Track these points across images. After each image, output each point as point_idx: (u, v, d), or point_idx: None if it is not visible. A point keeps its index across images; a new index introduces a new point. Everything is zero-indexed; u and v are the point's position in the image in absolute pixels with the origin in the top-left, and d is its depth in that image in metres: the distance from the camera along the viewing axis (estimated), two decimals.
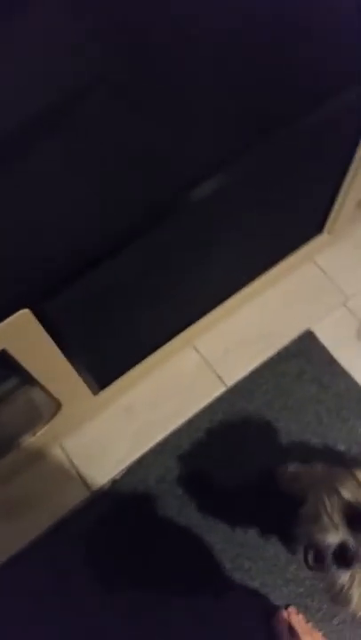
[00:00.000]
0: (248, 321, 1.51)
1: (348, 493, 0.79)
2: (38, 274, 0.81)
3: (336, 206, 1.43)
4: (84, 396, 1.23)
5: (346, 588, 0.74)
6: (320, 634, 1.17)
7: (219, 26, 0.72)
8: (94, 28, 0.59)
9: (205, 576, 1.24)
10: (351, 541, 0.74)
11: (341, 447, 1.35)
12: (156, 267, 1.05)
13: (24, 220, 0.76)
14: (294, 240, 1.50)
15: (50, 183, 0.74)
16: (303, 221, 1.47)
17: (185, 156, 0.85)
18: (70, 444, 1.35)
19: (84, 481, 1.31)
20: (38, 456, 1.32)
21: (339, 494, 0.79)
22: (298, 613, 1.19)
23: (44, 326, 0.87)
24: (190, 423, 1.39)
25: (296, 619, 1.18)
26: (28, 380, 1.07)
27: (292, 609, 1.19)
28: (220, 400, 1.42)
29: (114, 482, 1.31)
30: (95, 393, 1.28)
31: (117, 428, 1.37)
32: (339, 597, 0.75)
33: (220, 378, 1.44)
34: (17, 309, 0.79)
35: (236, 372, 1.45)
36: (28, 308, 0.80)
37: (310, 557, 0.77)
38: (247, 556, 1.25)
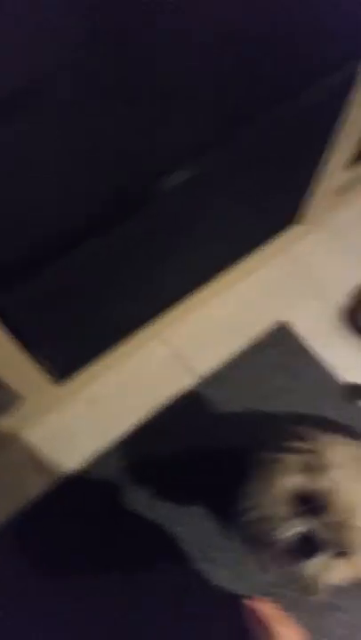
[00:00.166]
0: (219, 313, 1.48)
1: (294, 480, 0.74)
2: None
3: (311, 195, 1.40)
4: (45, 387, 1.21)
5: (312, 578, 0.70)
6: (292, 621, 1.13)
7: (191, 9, 0.70)
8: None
9: (173, 567, 1.21)
10: (306, 529, 0.69)
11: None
12: (123, 258, 1.03)
13: None
14: (269, 229, 1.48)
15: (12, 169, 0.72)
16: (278, 211, 1.44)
17: (156, 144, 0.84)
18: (34, 436, 1.32)
19: (48, 472, 1.28)
20: (0, 447, 1.31)
21: (283, 484, 0.74)
22: (269, 601, 1.15)
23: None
24: (159, 415, 1.36)
25: (266, 607, 1.14)
26: None
27: (261, 598, 1.16)
28: (190, 392, 1.38)
29: (79, 473, 1.28)
30: (58, 384, 1.26)
31: (82, 419, 1.34)
32: (307, 589, 0.72)
33: (189, 370, 1.41)
34: None
35: (207, 363, 1.42)
36: None
37: (266, 559, 0.74)
38: (216, 546, 1.21)
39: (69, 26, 0.57)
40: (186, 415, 1.36)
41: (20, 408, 1.22)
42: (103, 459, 1.30)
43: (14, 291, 0.84)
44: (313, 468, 0.73)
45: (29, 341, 1.01)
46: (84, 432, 1.33)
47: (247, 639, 0.87)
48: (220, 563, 1.20)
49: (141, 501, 1.26)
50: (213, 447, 1.31)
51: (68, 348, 1.22)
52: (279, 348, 1.44)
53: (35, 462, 1.29)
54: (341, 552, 0.69)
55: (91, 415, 1.35)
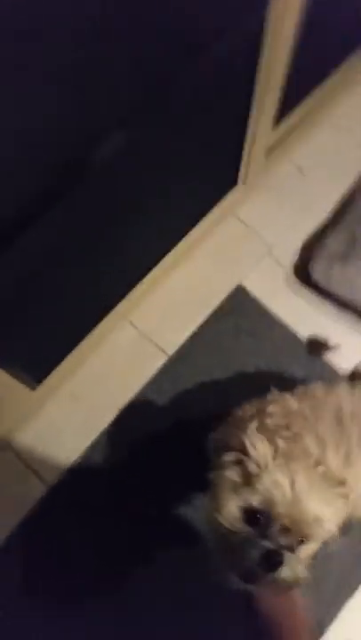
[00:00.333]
0: (179, 286, 1.51)
1: (237, 501, 0.74)
2: None
3: (245, 155, 1.41)
4: (20, 393, 1.21)
5: (291, 576, 0.72)
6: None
7: None
8: None
9: (182, 549, 1.27)
10: (266, 547, 0.70)
11: None
12: (70, 239, 1.02)
13: None
14: (211, 195, 1.48)
15: None
16: (216, 174, 1.44)
17: (82, 116, 0.81)
18: (18, 441, 1.34)
19: (38, 475, 1.31)
20: None
21: (230, 508, 0.75)
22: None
23: None
24: (138, 398, 1.40)
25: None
26: None
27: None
28: (163, 370, 1.43)
29: (70, 471, 1.32)
30: (33, 388, 1.26)
31: (65, 416, 1.37)
32: (292, 583, 0.74)
33: (159, 348, 1.44)
34: None
35: (175, 339, 1.45)
36: None
37: (238, 582, 0.74)
38: None
39: None
40: (162, 393, 1.40)
41: (3, 419, 1.22)
42: (94, 449, 1.34)
43: None
44: (250, 478, 0.73)
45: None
46: (71, 427, 1.36)
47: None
48: None
49: (136, 489, 1.32)
50: (193, 423, 1.37)
51: (36, 351, 1.22)
52: (240, 312, 1.49)
53: (24, 467, 1.31)
54: (302, 540, 0.73)
55: (74, 409, 1.38)
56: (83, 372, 1.40)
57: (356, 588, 1.27)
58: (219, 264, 1.54)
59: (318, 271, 1.47)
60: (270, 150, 1.54)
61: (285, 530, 0.70)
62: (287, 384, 1.39)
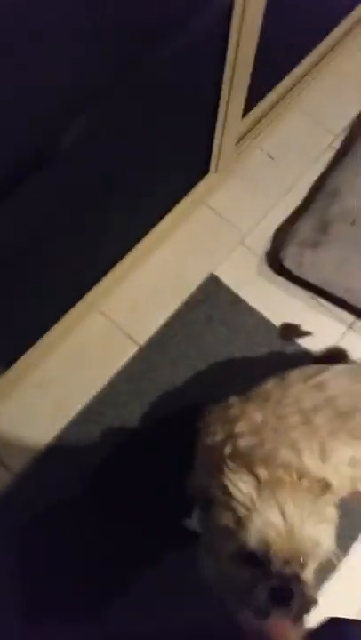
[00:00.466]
0: (150, 276, 1.49)
1: (232, 546, 0.72)
2: None
3: (216, 142, 1.40)
4: None
5: (303, 602, 0.71)
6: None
7: None
8: None
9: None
10: (270, 587, 0.69)
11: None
12: (35, 226, 1.00)
13: None
14: (183, 183, 1.48)
15: None
16: (188, 162, 1.44)
17: (46, 98, 0.79)
18: None
19: (5, 466, 1.27)
20: None
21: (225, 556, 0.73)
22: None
23: None
24: (109, 388, 1.38)
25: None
26: None
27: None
28: (134, 359, 1.41)
29: (37, 460, 1.29)
30: (2, 374, 1.23)
31: (33, 405, 1.34)
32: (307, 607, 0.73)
33: (130, 337, 1.42)
34: None
35: (147, 328, 1.43)
36: None
37: (252, 618, 0.72)
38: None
39: None
40: (133, 382, 1.38)
41: None
42: (61, 441, 1.31)
43: None
44: (240, 520, 0.71)
45: None
46: (39, 416, 1.33)
47: None
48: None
49: (106, 479, 1.29)
50: (167, 412, 1.35)
51: (5, 336, 1.19)
52: (212, 301, 1.48)
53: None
54: (304, 563, 0.71)
55: (43, 398, 1.35)
56: (52, 360, 1.38)
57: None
58: (191, 253, 1.52)
59: (289, 258, 1.46)
60: (241, 138, 1.54)
61: (286, 562, 0.69)
62: (261, 371, 1.40)
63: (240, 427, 0.89)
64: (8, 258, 0.99)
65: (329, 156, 1.64)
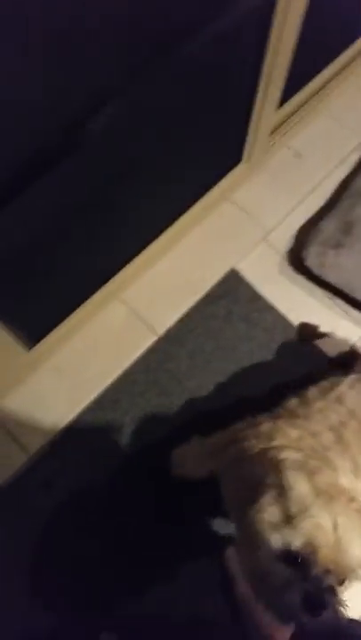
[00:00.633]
0: (172, 268, 1.49)
1: (280, 543, 0.70)
2: None
3: (251, 130, 1.39)
4: (16, 354, 1.19)
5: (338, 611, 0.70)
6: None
7: None
8: None
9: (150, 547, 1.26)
10: (306, 590, 0.68)
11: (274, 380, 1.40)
12: (63, 207, 1.00)
13: None
14: (213, 172, 1.47)
15: None
16: (220, 150, 1.43)
17: (81, 81, 0.79)
18: (2, 410, 1.32)
19: (21, 446, 1.28)
20: None
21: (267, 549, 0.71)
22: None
23: None
24: (125, 376, 1.38)
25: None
26: None
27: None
28: (152, 349, 1.41)
29: (52, 443, 1.30)
30: (28, 351, 1.24)
31: (50, 389, 1.35)
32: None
33: (150, 327, 1.43)
34: None
35: (166, 319, 1.44)
36: None
37: (276, 617, 0.71)
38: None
39: None
40: (150, 373, 1.39)
41: None
42: (76, 425, 1.32)
43: None
44: (288, 517, 0.71)
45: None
46: (55, 400, 1.34)
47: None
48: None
49: (119, 466, 1.30)
50: (182, 404, 1.36)
51: (31, 314, 1.20)
52: (233, 296, 1.48)
53: (7, 436, 1.29)
54: (343, 580, 0.70)
55: (60, 382, 1.36)
56: (70, 345, 1.38)
57: None
58: (213, 247, 1.53)
59: (312, 257, 1.47)
60: (274, 130, 1.53)
61: (327, 571, 0.68)
62: (276, 370, 1.41)
63: (280, 441, 0.88)
64: (38, 242, 0.99)
65: (355, 157, 1.64)
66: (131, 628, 1.20)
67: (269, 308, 1.47)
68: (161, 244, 1.44)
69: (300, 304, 1.48)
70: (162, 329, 1.43)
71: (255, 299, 1.48)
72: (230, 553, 1.21)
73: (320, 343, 1.44)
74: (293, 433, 0.90)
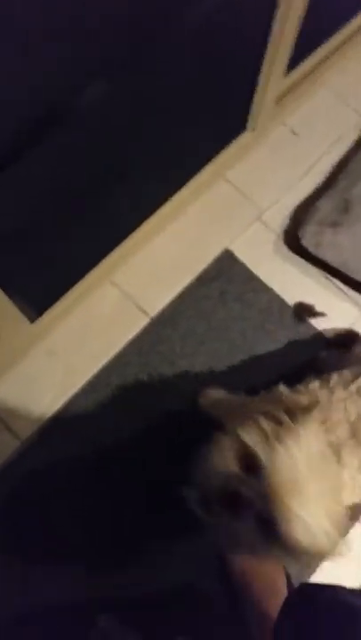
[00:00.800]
0: (164, 249, 1.46)
1: (247, 436, 0.70)
2: None
3: (258, 96, 1.35)
4: (18, 327, 1.18)
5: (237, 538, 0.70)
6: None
7: None
8: None
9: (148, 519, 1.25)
10: (240, 486, 0.67)
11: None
12: (53, 182, 0.96)
13: None
14: (215, 140, 1.43)
15: None
16: (225, 117, 1.39)
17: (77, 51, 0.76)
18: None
19: (12, 432, 1.27)
20: None
21: (238, 436, 0.71)
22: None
23: None
24: (118, 359, 1.36)
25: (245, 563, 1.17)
26: None
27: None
28: (144, 332, 1.39)
29: (44, 427, 1.28)
30: (32, 323, 1.23)
31: (42, 372, 1.33)
32: (235, 548, 0.73)
33: (142, 309, 1.40)
34: None
35: (158, 301, 1.41)
36: None
37: (194, 500, 0.72)
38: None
39: None
40: (143, 355, 1.37)
41: None
42: (69, 409, 1.30)
43: None
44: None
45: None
46: (46, 384, 1.32)
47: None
48: None
49: (111, 450, 1.28)
50: (174, 385, 1.34)
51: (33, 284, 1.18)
52: (227, 277, 1.45)
53: (1, 419, 1.28)
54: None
55: (53, 365, 1.34)
56: (62, 329, 1.36)
57: None
58: (207, 227, 1.49)
59: (308, 237, 1.43)
60: (280, 99, 1.48)
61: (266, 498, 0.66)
62: (271, 350, 1.39)
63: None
64: (26, 219, 0.97)
65: (354, 136, 1.60)
66: (128, 607, 1.18)
67: (265, 289, 1.44)
68: (152, 224, 1.41)
69: (295, 284, 1.44)
70: (154, 310, 1.40)
71: (250, 279, 1.45)
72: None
73: (317, 323, 1.41)
74: (316, 415, 0.88)
